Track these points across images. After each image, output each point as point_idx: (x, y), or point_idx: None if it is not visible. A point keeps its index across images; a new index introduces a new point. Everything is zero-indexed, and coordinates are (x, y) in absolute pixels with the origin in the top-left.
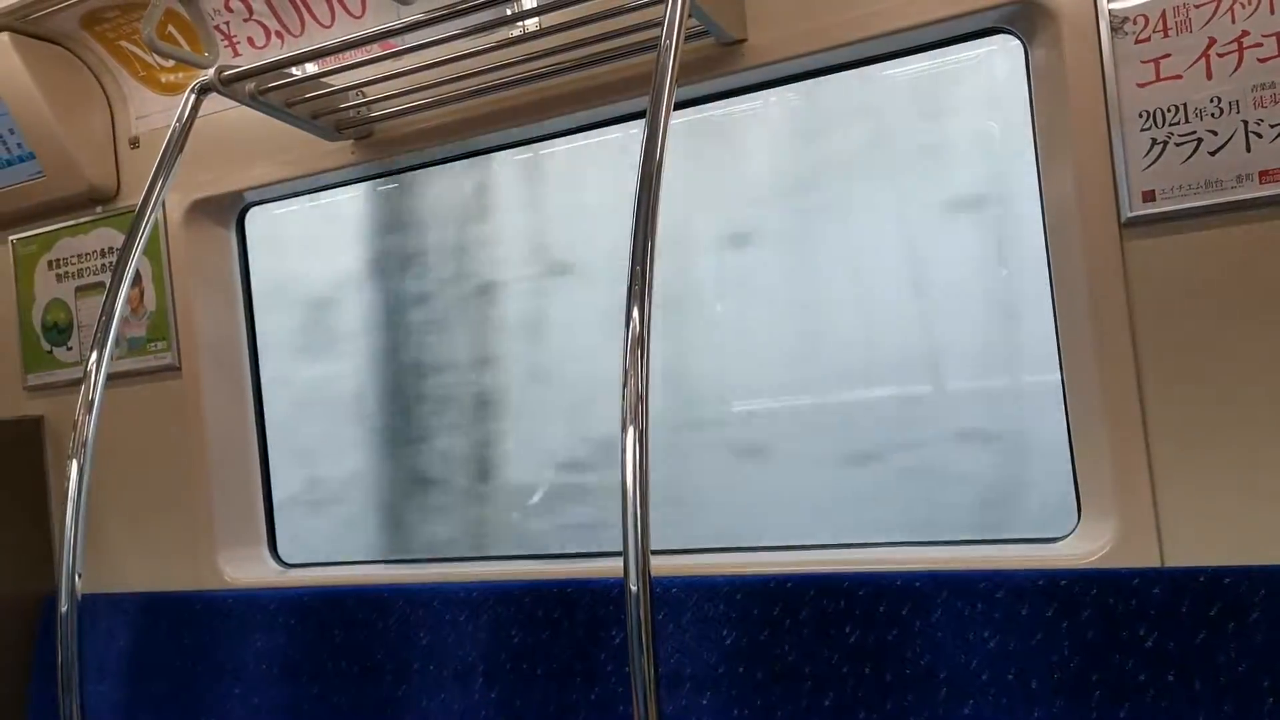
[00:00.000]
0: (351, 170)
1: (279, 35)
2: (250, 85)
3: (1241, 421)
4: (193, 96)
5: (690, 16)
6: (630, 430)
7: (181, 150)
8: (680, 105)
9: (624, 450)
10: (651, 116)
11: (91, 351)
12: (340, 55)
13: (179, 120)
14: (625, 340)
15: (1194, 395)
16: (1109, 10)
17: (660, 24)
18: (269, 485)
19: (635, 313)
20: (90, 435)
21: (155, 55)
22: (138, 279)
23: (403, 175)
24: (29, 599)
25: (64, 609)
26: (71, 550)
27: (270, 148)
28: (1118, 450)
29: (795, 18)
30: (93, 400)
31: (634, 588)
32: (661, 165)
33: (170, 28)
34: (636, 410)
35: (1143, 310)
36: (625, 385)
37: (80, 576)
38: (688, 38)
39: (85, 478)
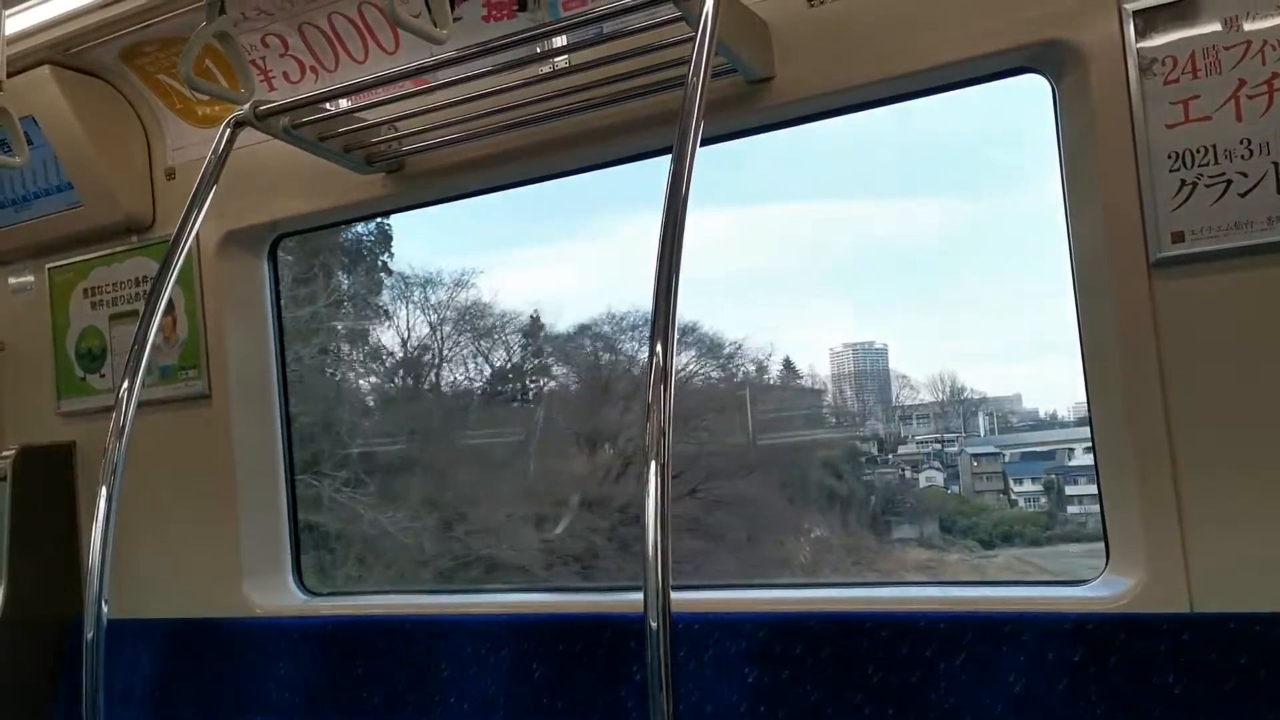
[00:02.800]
0: (382, 202)
1: (313, 70)
2: (285, 120)
3: (1273, 465)
4: (228, 130)
5: (717, 54)
6: (653, 464)
7: (216, 182)
8: (707, 141)
9: (647, 483)
10: (678, 153)
11: (124, 379)
12: (373, 90)
13: (214, 153)
14: (649, 375)
15: (1224, 438)
16: (1138, 51)
17: (688, 62)
18: (295, 513)
19: (659, 348)
20: (120, 461)
21: (188, 89)
22: (171, 308)
23: None
24: (55, 623)
25: (90, 635)
26: (99, 576)
27: (302, 180)
28: (1146, 493)
29: (823, 56)
30: (124, 427)
31: (654, 624)
32: (686, 201)
33: (207, 62)
34: (659, 444)
35: (1172, 352)
36: (648, 419)
37: (107, 602)
38: (715, 75)
39: (115, 503)
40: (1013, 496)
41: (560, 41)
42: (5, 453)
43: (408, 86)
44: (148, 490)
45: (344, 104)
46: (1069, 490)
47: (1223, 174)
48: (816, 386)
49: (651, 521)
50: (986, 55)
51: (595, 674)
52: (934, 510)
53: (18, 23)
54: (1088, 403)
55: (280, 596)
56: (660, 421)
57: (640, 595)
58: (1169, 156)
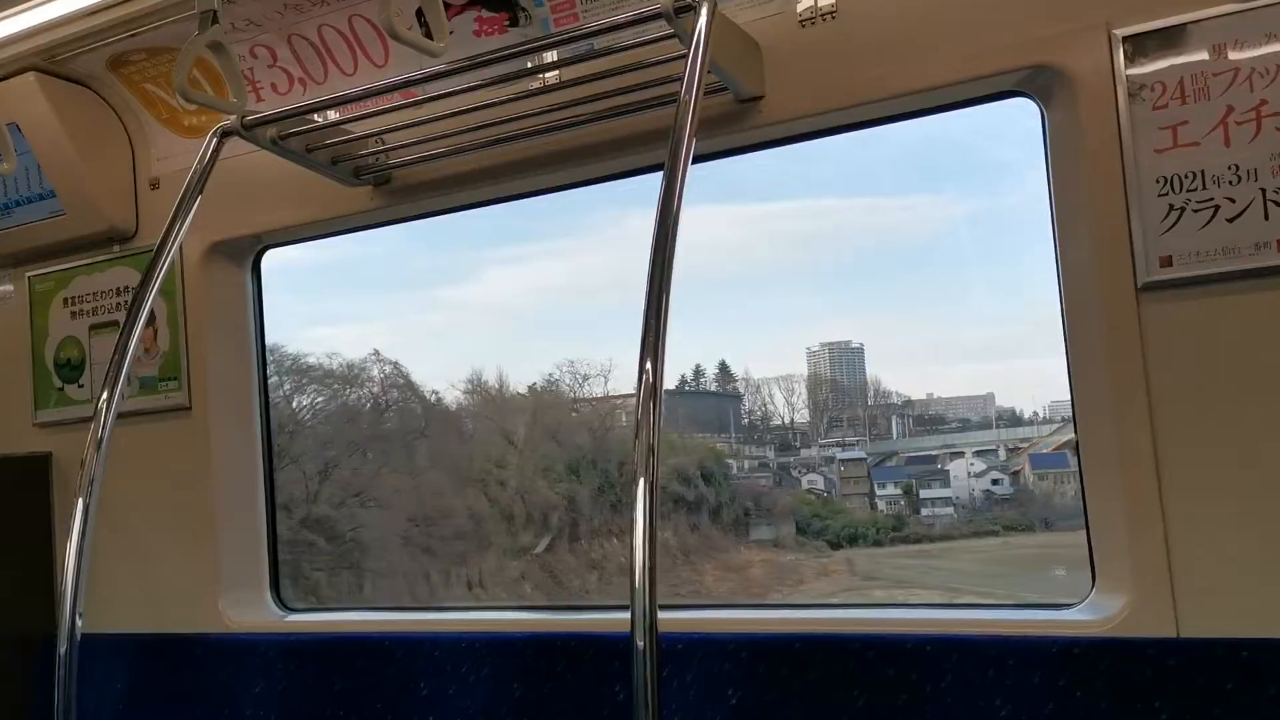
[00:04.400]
0: (369, 215)
1: (302, 82)
2: (272, 130)
3: (1261, 488)
4: (214, 140)
5: (710, 72)
6: (641, 482)
7: (201, 192)
8: (697, 159)
9: (635, 501)
10: (670, 170)
11: (103, 390)
12: (362, 103)
13: (199, 163)
14: (639, 392)
15: (1211, 461)
16: (1127, 76)
17: (680, 79)
18: (274, 528)
19: (649, 365)
20: (97, 473)
21: (179, 98)
22: (152, 318)
23: None
24: (27, 638)
25: (63, 649)
26: (73, 589)
27: (288, 192)
28: (1133, 516)
29: (813, 76)
30: (102, 439)
31: (640, 643)
32: (678, 218)
33: (195, 72)
34: (648, 462)
35: (1159, 375)
36: (637, 437)
37: (82, 616)
38: (707, 92)
39: (91, 516)
40: (875, 500)
41: (551, 57)
42: None
43: (397, 99)
44: (125, 502)
45: (332, 115)
46: (923, 494)
47: (1211, 199)
48: (740, 392)
49: (640, 540)
50: (976, 79)
51: (577, 694)
52: (797, 513)
53: (3, 29)
54: (1074, 424)
55: (256, 612)
56: (649, 439)
57: (623, 615)
58: (1157, 181)
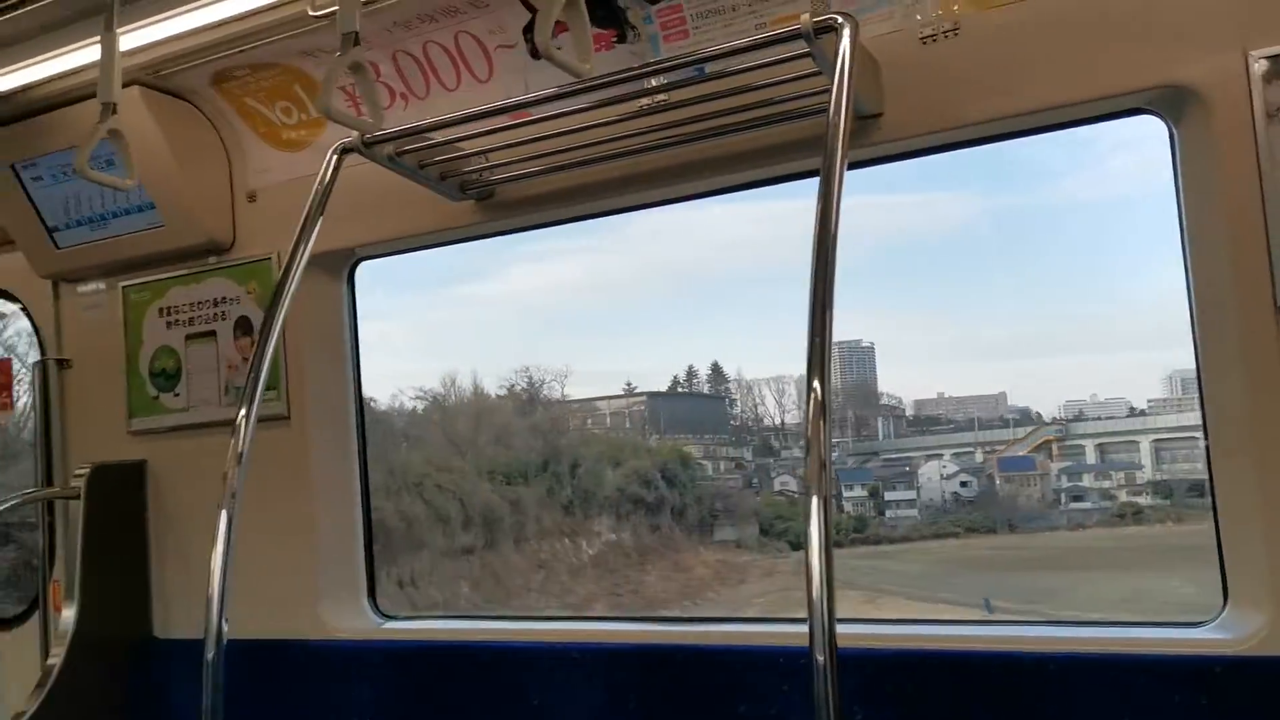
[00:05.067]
0: (470, 229)
1: (404, 97)
2: (389, 148)
3: None
4: (334, 157)
5: (824, 91)
6: (814, 498)
7: (324, 208)
8: (808, 175)
9: (808, 516)
10: (824, 188)
11: (240, 406)
12: (472, 122)
13: (320, 181)
14: (807, 411)
15: None
16: (1265, 98)
17: (794, 98)
18: (370, 536)
19: (816, 384)
20: (239, 485)
21: (278, 113)
22: (250, 329)
23: None
24: (125, 642)
25: (210, 655)
26: (219, 597)
27: (387, 205)
28: (1271, 534)
29: (933, 94)
30: (242, 452)
31: (820, 658)
32: (836, 237)
33: (297, 86)
34: (820, 478)
35: None
36: (809, 454)
37: (227, 623)
38: (820, 110)
39: (235, 527)
40: (841, 501)
41: (663, 79)
42: (78, 471)
43: (508, 118)
44: None
45: (442, 133)
46: (888, 496)
47: None
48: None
49: (816, 554)
50: (1102, 97)
51: (695, 710)
52: (761, 514)
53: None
54: (1205, 437)
55: (355, 619)
56: (820, 455)
57: (741, 628)
58: None
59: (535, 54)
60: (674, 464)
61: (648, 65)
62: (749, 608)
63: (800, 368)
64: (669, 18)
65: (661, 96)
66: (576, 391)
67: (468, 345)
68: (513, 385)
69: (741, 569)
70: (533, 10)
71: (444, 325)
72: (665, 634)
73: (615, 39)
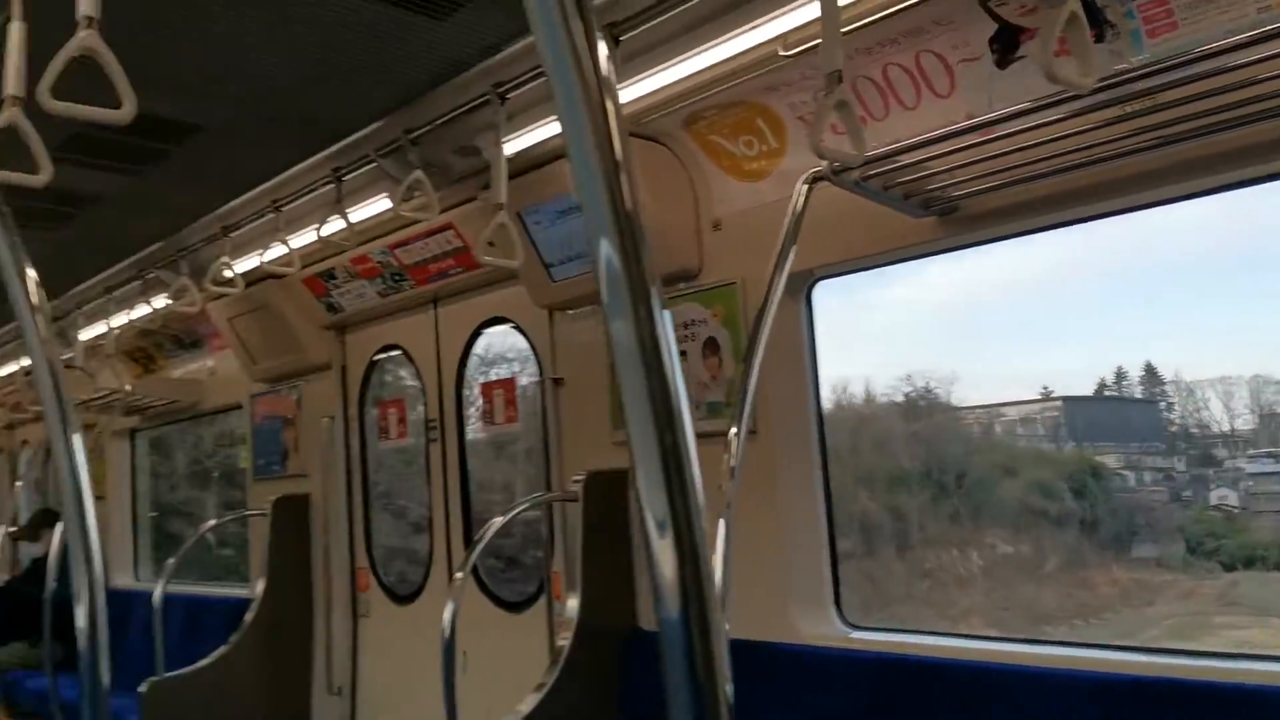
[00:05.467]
0: (929, 245)
1: (861, 120)
2: (855, 174)
3: None
4: (805, 187)
5: None
6: None
7: (797, 235)
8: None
9: None
10: None
11: (733, 424)
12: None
13: (793, 209)
14: None
15: None
16: None
17: None
18: (834, 546)
19: None
20: (734, 496)
21: (740, 146)
22: (717, 348)
23: None
24: (617, 630)
25: None
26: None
27: (847, 226)
28: None
29: None
30: (734, 466)
31: None
32: None
33: (759, 120)
34: None
35: None
36: None
37: (728, 624)
38: None
39: (730, 532)
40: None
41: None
42: (576, 477)
43: (974, 136)
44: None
45: (909, 154)
46: None
47: None
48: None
49: None
50: None
51: None
52: (1189, 531)
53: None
54: None
55: (822, 626)
56: None
57: (1250, 665)
58: None
59: (1001, 64)
60: (1083, 474)
61: (1139, 69)
62: (1150, 628)
63: (1253, 367)
64: (1153, 10)
65: (1148, 100)
66: (973, 396)
67: (876, 349)
68: (907, 393)
69: (1154, 589)
70: (1001, 22)
71: (858, 331)
72: (1169, 667)
73: (1094, 38)
